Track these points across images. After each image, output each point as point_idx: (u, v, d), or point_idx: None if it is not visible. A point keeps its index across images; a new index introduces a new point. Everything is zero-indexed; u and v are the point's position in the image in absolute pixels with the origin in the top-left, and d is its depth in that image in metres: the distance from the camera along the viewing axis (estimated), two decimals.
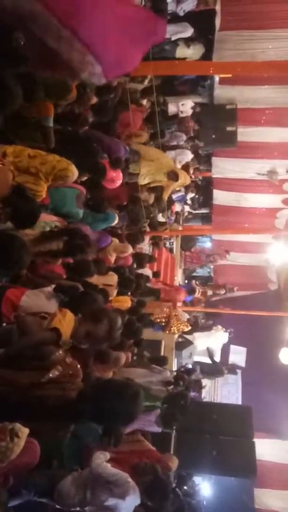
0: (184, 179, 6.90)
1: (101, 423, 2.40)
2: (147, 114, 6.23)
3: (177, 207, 8.80)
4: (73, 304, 2.57)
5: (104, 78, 2.67)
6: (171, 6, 6.84)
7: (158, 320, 6.48)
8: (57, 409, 2.00)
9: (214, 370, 9.02)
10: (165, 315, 6.49)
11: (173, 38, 7.22)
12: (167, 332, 6.56)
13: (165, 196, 6.56)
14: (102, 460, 3.12)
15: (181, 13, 7.10)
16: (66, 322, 2.13)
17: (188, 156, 8.17)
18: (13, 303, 2.54)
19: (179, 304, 7.33)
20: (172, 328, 6.50)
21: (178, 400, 4.86)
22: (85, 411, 1.98)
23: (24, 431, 2.29)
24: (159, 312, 6.46)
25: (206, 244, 11.60)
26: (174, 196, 7.88)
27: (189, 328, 6.97)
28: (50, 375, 2.02)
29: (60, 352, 2.11)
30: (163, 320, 6.48)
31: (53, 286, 2.80)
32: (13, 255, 2.19)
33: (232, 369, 9.95)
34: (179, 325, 6.55)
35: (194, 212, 10.77)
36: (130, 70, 3.42)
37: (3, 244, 2.20)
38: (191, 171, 8.54)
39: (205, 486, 7.63)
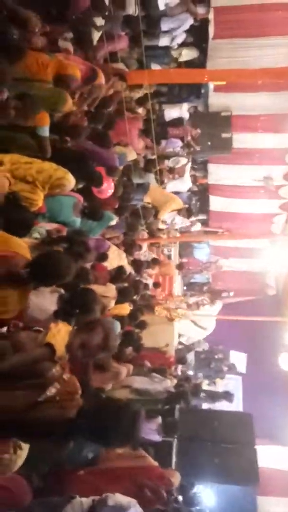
0: (178, 204, 7.40)
1: (99, 441, 2.36)
2: (142, 121, 6.26)
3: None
4: (73, 300, 2.57)
5: None
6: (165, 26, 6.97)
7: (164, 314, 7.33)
8: (55, 428, 1.95)
9: (214, 371, 9.03)
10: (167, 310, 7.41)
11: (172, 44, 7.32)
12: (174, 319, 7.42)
13: (161, 216, 7.00)
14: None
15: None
16: (61, 336, 2.10)
17: (182, 161, 8.22)
18: None
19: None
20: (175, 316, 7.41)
21: (178, 400, 4.84)
22: (84, 429, 1.94)
23: (25, 446, 2.25)
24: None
25: (204, 250, 11.61)
26: None
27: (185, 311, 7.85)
28: (48, 393, 1.95)
29: (57, 368, 2.06)
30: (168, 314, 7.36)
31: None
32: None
33: (233, 367, 9.90)
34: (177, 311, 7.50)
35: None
36: None
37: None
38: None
39: (207, 495, 7.55)
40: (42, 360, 2.04)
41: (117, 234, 5.33)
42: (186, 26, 7.17)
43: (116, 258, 4.93)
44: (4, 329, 2.35)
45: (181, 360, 7.26)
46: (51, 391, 1.96)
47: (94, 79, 3.96)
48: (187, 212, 8.80)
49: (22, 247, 2.29)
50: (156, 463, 4.03)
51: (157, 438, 4.61)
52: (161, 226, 7.74)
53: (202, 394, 7.95)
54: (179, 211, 7.94)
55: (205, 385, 9.12)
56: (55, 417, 1.94)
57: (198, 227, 9.70)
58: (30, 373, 2.00)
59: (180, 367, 7.57)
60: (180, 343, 8.62)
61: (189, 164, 8.35)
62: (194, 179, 9.19)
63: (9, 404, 1.93)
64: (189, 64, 7.80)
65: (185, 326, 8.74)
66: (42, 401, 1.95)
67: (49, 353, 2.06)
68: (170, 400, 4.84)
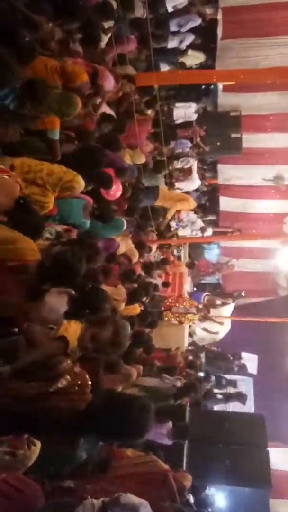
0: (190, 204, 7.37)
1: (110, 436, 2.35)
2: (151, 123, 6.26)
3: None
4: (82, 299, 2.59)
5: None
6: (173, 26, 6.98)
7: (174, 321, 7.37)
8: (65, 421, 1.96)
9: (224, 371, 8.98)
10: (176, 315, 7.43)
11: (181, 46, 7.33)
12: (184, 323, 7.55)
13: (169, 216, 6.99)
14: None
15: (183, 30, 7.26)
16: (73, 330, 2.13)
17: (191, 162, 8.21)
18: None
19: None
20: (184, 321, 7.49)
21: (189, 392, 4.79)
22: (94, 424, 1.95)
23: (38, 442, 2.28)
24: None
25: (214, 251, 11.56)
26: None
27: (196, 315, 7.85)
28: (58, 384, 1.99)
29: (68, 361, 2.09)
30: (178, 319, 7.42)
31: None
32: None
33: (243, 368, 9.82)
34: (186, 316, 7.51)
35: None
36: None
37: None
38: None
39: (219, 497, 7.50)
40: (56, 353, 2.06)
41: (125, 234, 5.33)
42: (195, 22, 7.15)
43: (122, 244, 4.97)
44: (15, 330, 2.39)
45: (191, 365, 7.21)
46: (62, 383, 2.00)
47: (97, 79, 3.98)
48: (201, 209, 8.77)
49: (30, 250, 2.29)
50: (167, 466, 4.02)
51: (167, 442, 4.59)
52: (172, 225, 7.75)
53: (219, 396, 7.89)
54: (194, 211, 7.92)
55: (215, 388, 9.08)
56: (65, 409, 1.96)
57: (209, 232, 9.69)
58: (43, 366, 2.02)
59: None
60: (190, 344, 8.59)
61: (195, 164, 8.33)
62: (203, 179, 9.16)
63: (21, 394, 1.96)
64: (197, 68, 7.80)
65: (198, 334, 8.76)
66: (53, 392, 1.97)
67: (62, 346, 2.07)
68: (180, 394, 4.79)
